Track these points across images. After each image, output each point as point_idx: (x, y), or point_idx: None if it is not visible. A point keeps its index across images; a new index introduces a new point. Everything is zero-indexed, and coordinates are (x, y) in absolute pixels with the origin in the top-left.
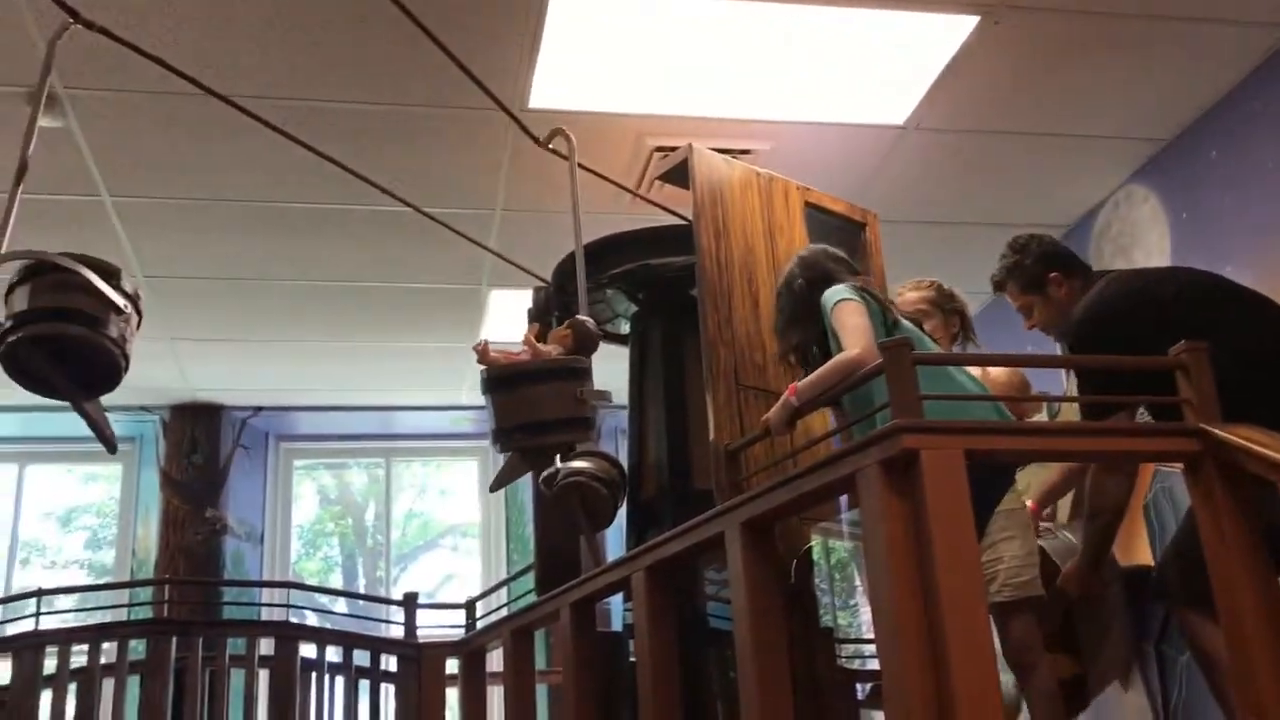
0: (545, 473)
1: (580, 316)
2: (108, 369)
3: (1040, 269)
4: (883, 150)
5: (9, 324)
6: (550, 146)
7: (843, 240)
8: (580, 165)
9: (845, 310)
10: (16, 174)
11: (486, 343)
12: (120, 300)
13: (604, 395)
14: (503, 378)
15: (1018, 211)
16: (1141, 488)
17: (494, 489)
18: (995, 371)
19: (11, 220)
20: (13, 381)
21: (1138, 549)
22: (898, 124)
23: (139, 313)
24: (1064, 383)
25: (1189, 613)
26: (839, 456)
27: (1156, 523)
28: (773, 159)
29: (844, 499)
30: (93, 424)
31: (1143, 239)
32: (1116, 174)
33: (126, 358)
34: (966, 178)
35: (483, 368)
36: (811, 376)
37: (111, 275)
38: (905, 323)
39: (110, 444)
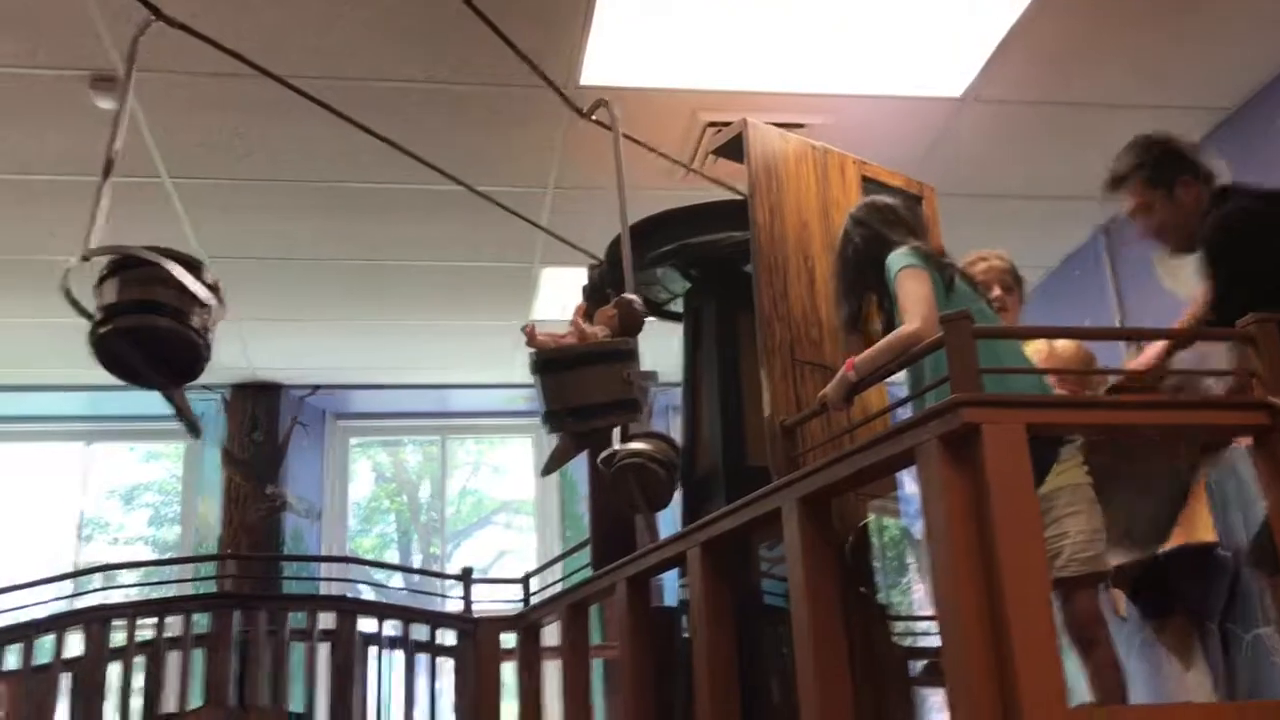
0: (603, 454)
1: (627, 296)
2: (192, 358)
3: (1173, 168)
4: (940, 123)
5: (100, 316)
6: (594, 117)
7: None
8: (626, 136)
9: (908, 278)
10: (103, 171)
11: (534, 325)
12: (203, 292)
13: (651, 376)
14: (551, 361)
15: (1077, 183)
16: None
17: (545, 473)
18: (1060, 345)
19: (100, 217)
20: (102, 367)
21: (1200, 525)
22: (955, 96)
23: (221, 303)
24: (1123, 354)
25: None
26: (898, 431)
27: (1219, 498)
28: (828, 133)
29: (901, 475)
30: (179, 411)
31: None
32: None
33: (209, 347)
34: (1025, 150)
35: (531, 350)
36: (870, 351)
37: (194, 268)
38: (963, 286)
39: (195, 429)
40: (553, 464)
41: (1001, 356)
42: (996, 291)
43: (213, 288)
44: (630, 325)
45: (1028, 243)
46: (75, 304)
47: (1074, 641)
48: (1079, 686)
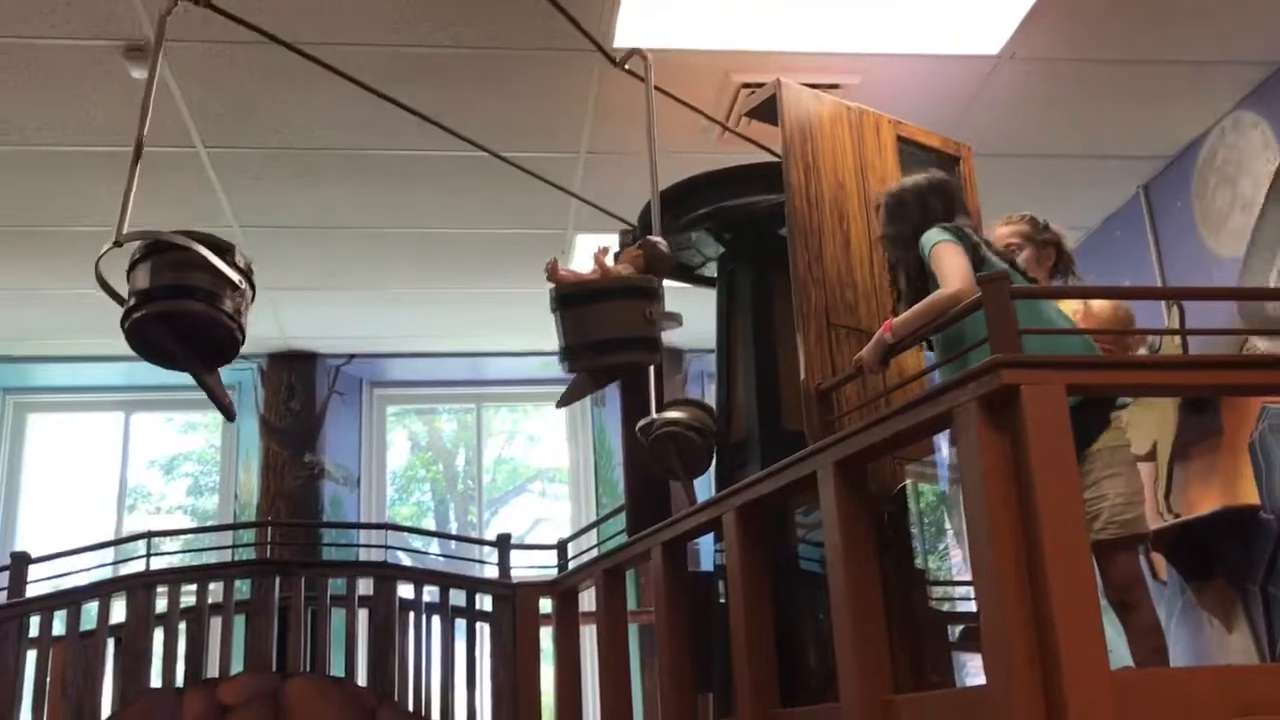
0: (641, 422)
1: (652, 237)
2: (225, 342)
3: None
4: (976, 82)
5: (133, 301)
6: (627, 67)
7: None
8: (659, 89)
9: (942, 251)
10: (134, 153)
11: (556, 261)
12: (235, 276)
13: (674, 317)
14: (572, 295)
15: (1117, 143)
16: (1247, 424)
17: (560, 405)
18: (1098, 306)
19: (130, 201)
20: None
21: (1244, 487)
22: (992, 54)
23: (252, 286)
24: (1164, 316)
25: None
26: (936, 393)
27: (1263, 460)
28: (863, 93)
29: (938, 439)
30: (211, 393)
31: (1250, 167)
32: (1224, 100)
33: (243, 330)
34: (1064, 108)
35: (551, 285)
36: (907, 313)
37: (226, 252)
38: (993, 259)
39: (229, 412)
40: (568, 397)
41: (1043, 318)
42: (1023, 255)
43: (245, 271)
44: (655, 265)
45: (1067, 204)
46: (108, 289)
47: (1114, 604)
48: (1119, 649)
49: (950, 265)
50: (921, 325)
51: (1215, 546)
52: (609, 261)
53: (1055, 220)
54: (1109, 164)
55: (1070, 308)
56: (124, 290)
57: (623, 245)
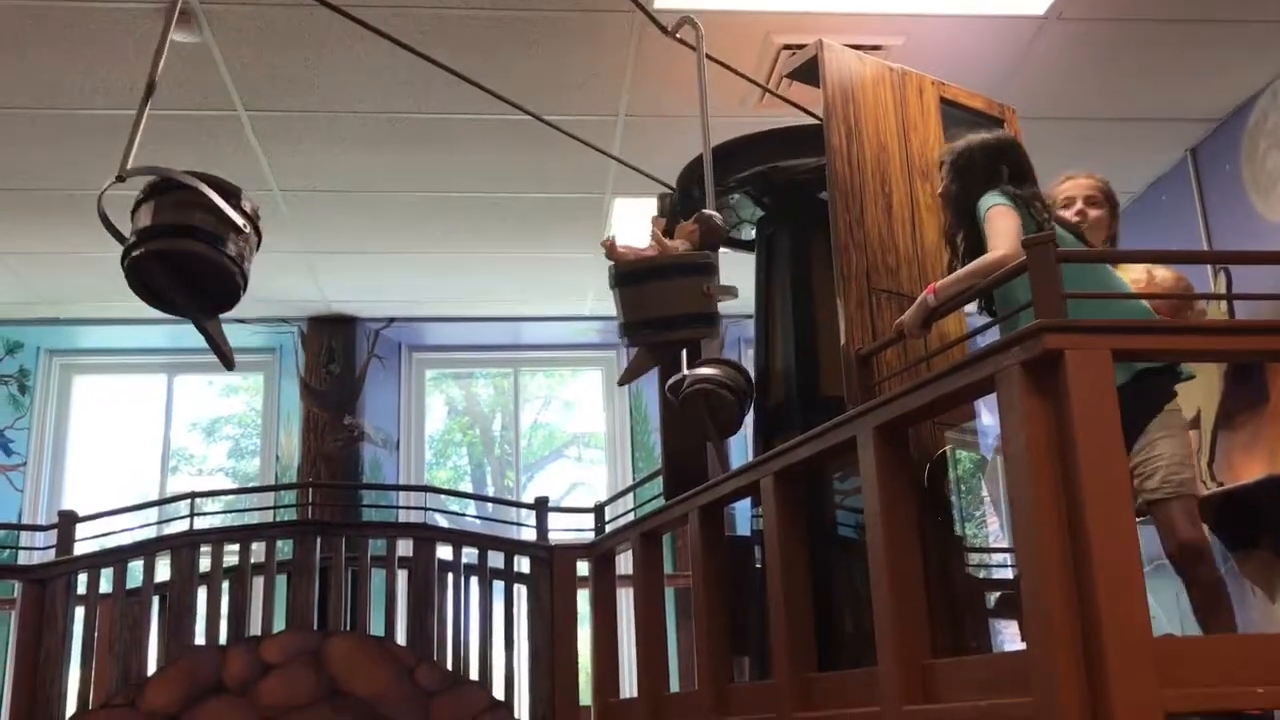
0: (671, 380)
1: (707, 211)
2: (227, 287)
3: None
4: (1022, 42)
5: (133, 239)
6: (678, 35)
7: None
8: (708, 57)
9: (996, 215)
10: (145, 91)
11: (614, 238)
12: (239, 219)
13: (730, 290)
14: (631, 273)
15: (1165, 106)
16: None
17: (622, 383)
18: (1161, 275)
19: (138, 137)
20: (137, 296)
21: None
22: (1038, 14)
23: (258, 232)
24: (1210, 282)
25: None
26: (978, 358)
27: None
28: (905, 54)
29: (978, 405)
30: (211, 341)
31: None
32: (1275, 62)
33: (245, 276)
34: (1110, 70)
35: (611, 263)
36: (950, 276)
37: (232, 194)
38: (1061, 233)
39: (228, 361)
40: (629, 374)
41: (1108, 286)
42: (1078, 206)
43: (251, 216)
44: (711, 240)
45: (1113, 167)
46: (110, 226)
47: (1176, 561)
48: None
49: (1001, 228)
50: (965, 289)
51: (1259, 515)
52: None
53: None
54: (1156, 127)
55: (1131, 276)
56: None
57: (661, 210)
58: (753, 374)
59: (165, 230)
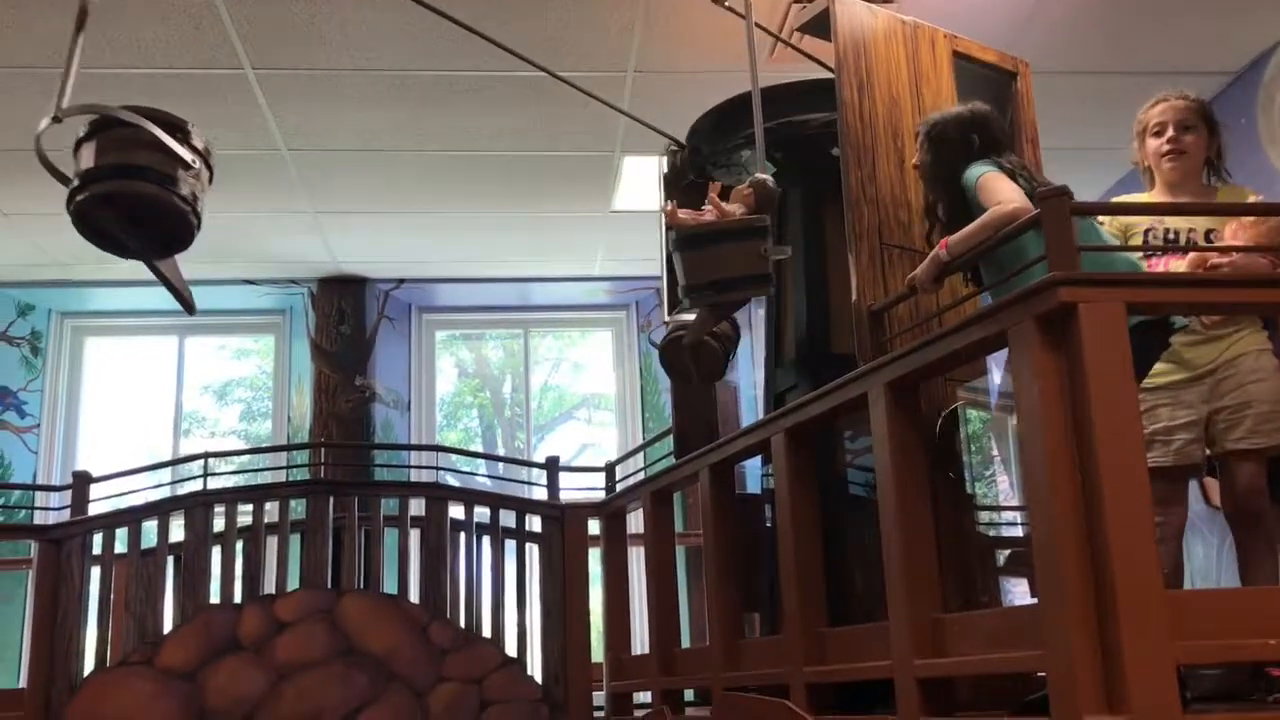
0: (654, 326)
1: (761, 176)
2: (179, 227)
3: None
4: None
5: (76, 182)
6: (727, 4)
7: (993, 91)
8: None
9: (990, 179)
10: (76, 25)
11: (674, 205)
12: (189, 155)
13: (784, 252)
14: (693, 237)
15: (1180, 58)
16: None
17: (688, 341)
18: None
19: (74, 70)
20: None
21: None
22: None
23: (209, 168)
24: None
25: None
26: (990, 312)
27: None
28: (918, 7)
29: (989, 362)
30: (168, 284)
31: None
32: None
33: (198, 216)
34: (1125, 23)
35: (671, 229)
36: (963, 230)
37: (179, 130)
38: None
39: (188, 305)
40: (695, 333)
41: (1097, 239)
42: (1170, 134)
43: (202, 152)
44: (765, 203)
45: (1127, 121)
46: (51, 168)
47: (1234, 517)
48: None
49: (1002, 188)
50: (978, 243)
51: None
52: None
53: (1113, 138)
54: (1171, 80)
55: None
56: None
57: (669, 165)
58: (765, 331)
59: (110, 171)
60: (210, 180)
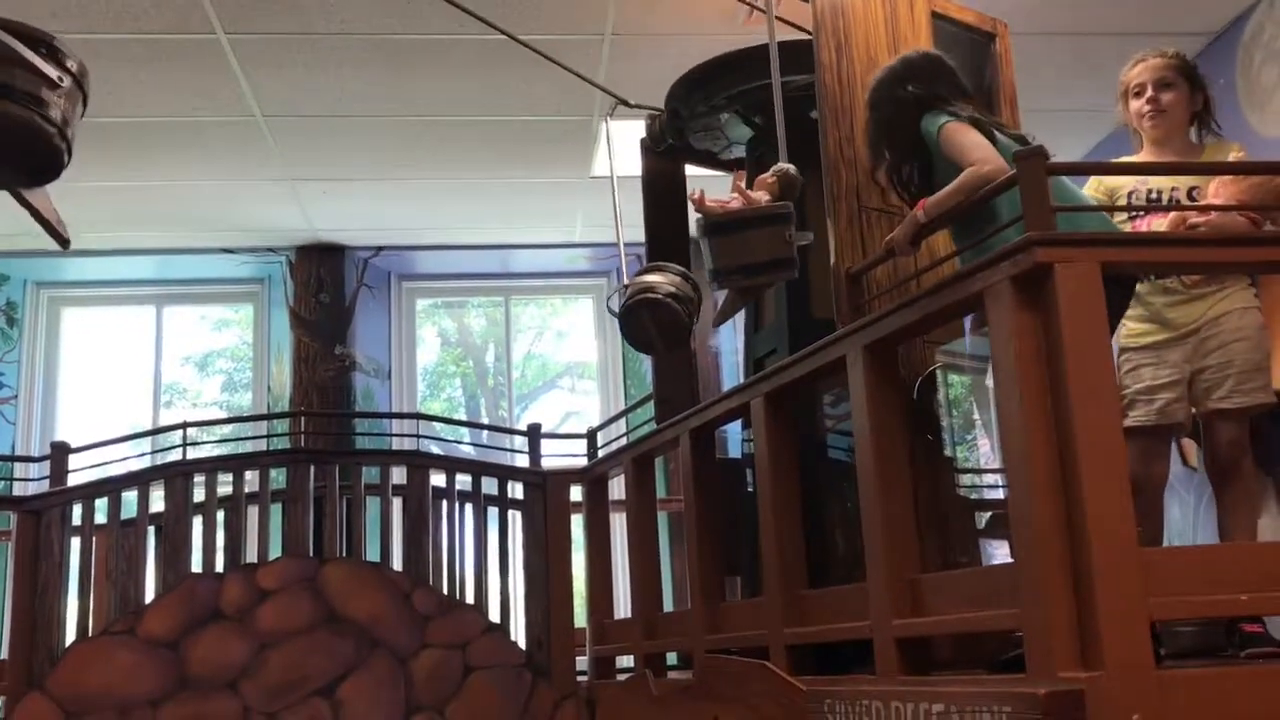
0: (612, 290)
1: (784, 165)
2: (47, 154)
3: None
4: None
5: None
6: None
7: (971, 52)
8: None
9: (955, 131)
10: None
11: (701, 191)
12: (55, 73)
13: (807, 237)
14: (720, 224)
15: (1159, 19)
16: None
17: (716, 324)
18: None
19: None
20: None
21: None
22: None
23: (83, 93)
24: None
25: None
26: (967, 274)
27: None
28: None
29: (967, 324)
30: (38, 216)
31: None
32: None
33: (69, 143)
34: None
35: (699, 214)
36: (941, 193)
37: (43, 44)
38: (1005, 140)
39: (62, 239)
40: (723, 316)
41: (1069, 197)
42: (1149, 94)
43: (74, 74)
44: (789, 191)
45: (1107, 81)
46: None
47: (1215, 474)
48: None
49: (971, 142)
50: (954, 205)
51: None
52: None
53: (1093, 100)
54: (1151, 41)
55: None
56: None
57: (649, 133)
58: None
59: None
60: (84, 106)
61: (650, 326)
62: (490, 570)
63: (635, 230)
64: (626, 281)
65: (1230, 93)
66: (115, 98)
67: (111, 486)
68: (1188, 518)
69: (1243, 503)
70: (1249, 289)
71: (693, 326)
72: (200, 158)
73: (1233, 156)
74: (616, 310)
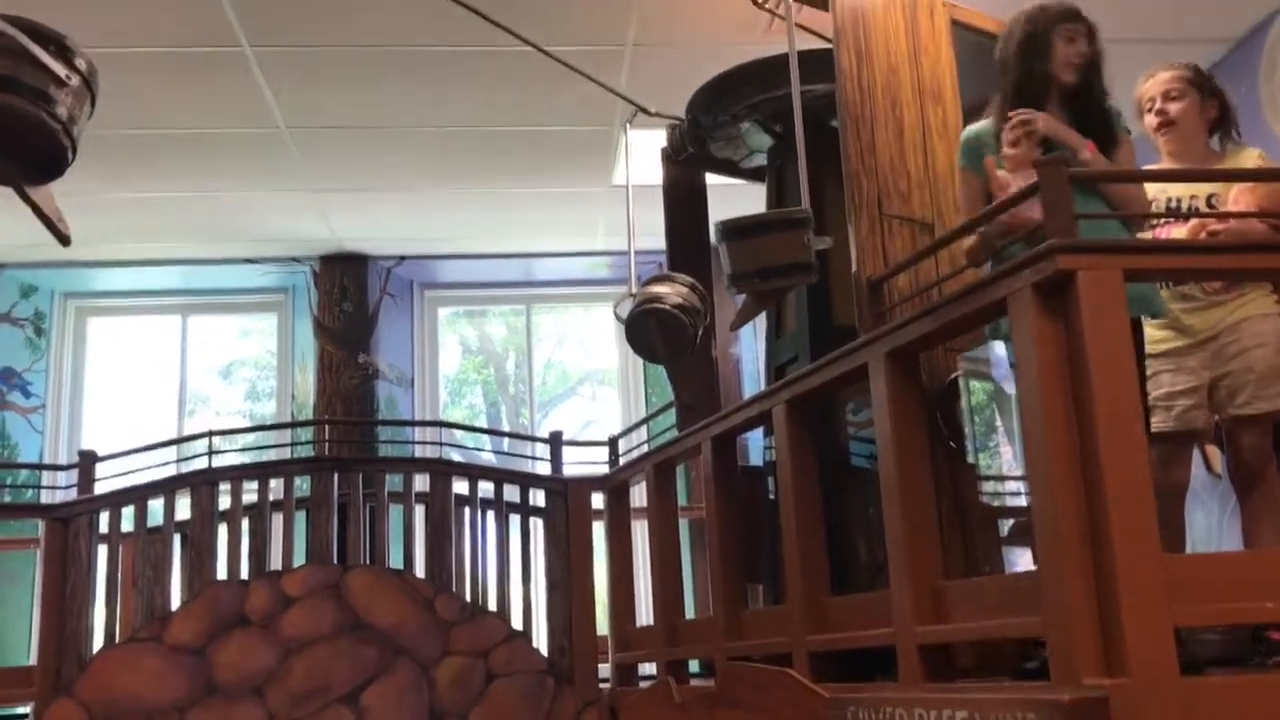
0: (619, 299)
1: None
2: (51, 152)
3: None
4: None
5: None
6: (767, 6)
7: (993, 60)
8: None
9: (1131, 149)
10: None
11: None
12: (63, 70)
13: (826, 242)
14: (738, 228)
15: (1181, 26)
16: None
17: (734, 328)
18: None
19: None
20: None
21: None
22: None
23: (92, 93)
24: None
25: None
26: (990, 281)
27: None
28: None
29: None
30: (39, 213)
31: None
32: None
33: (73, 140)
34: None
35: (718, 220)
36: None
37: (53, 42)
38: None
39: (63, 237)
40: (740, 320)
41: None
42: (1158, 106)
43: (83, 73)
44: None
45: (1128, 89)
46: None
47: (1239, 480)
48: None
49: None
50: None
51: None
52: None
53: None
54: (1171, 49)
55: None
56: None
57: (670, 142)
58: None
59: None
60: (93, 106)
61: (654, 335)
62: (512, 577)
63: (658, 238)
64: (634, 290)
65: (1253, 100)
66: (141, 110)
67: (138, 494)
68: (1212, 525)
69: (1267, 509)
70: (1269, 295)
71: (698, 337)
72: (225, 169)
73: (1253, 162)
74: (624, 318)
